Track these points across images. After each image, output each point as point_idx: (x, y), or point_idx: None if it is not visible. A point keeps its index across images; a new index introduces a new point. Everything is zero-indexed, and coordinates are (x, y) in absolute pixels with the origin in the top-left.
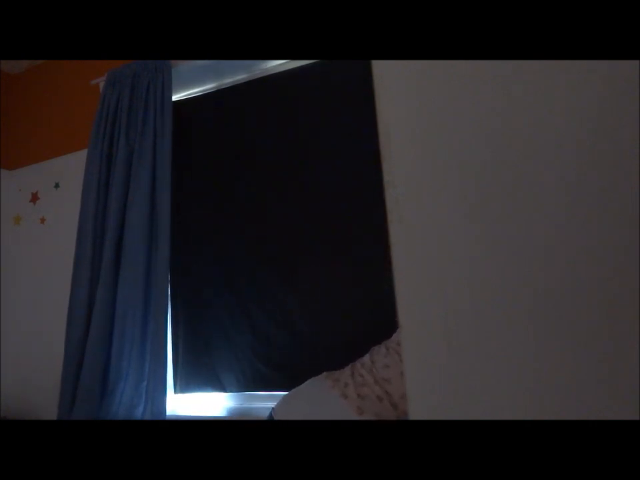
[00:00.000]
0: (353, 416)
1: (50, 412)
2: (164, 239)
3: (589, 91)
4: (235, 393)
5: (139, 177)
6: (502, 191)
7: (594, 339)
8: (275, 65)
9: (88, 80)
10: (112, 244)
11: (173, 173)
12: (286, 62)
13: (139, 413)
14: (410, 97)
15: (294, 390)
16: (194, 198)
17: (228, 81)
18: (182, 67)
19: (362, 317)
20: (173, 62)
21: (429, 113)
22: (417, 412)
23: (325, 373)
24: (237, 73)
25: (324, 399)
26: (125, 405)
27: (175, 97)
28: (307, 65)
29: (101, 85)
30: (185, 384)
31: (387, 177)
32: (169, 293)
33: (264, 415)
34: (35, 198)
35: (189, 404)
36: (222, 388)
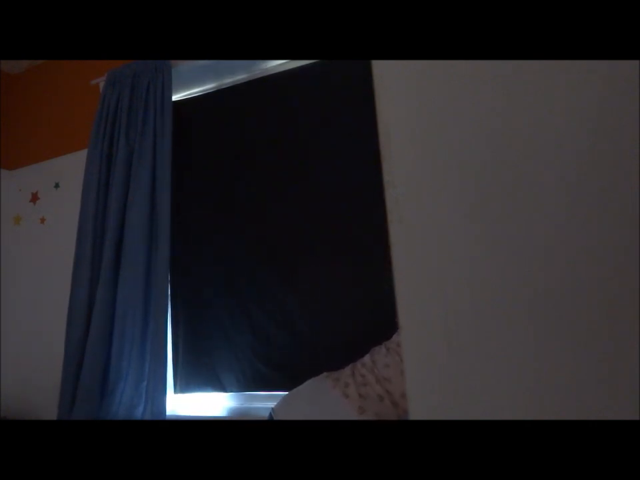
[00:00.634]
0: (354, 415)
1: (50, 412)
2: (164, 239)
3: (589, 91)
4: (235, 393)
5: (139, 177)
6: (502, 191)
7: (594, 339)
8: (275, 64)
9: (88, 80)
10: (112, 244)
11: (173, 173)
12: (286, 62)
13: (139, 413)
14: (410, 97)
15: (294, 390)
16: (194, 198)
17: (228, 80)
18: (182, 66)
19: (362, 317)
20: (173, 62)
21: (429, 113)
22: (417, 412)
23: (324, 373)
24: (236, 73)
25: (324, 399)
26: (125, 405)
27: (175, 97)
28: (306, 65)
29: (101, 85)
30: (185, 384)
31: (386, 177)
32: (169, 292)
33: (264, 415)
34: (35, 198)
35: (188, 404)
36: (222, 388)
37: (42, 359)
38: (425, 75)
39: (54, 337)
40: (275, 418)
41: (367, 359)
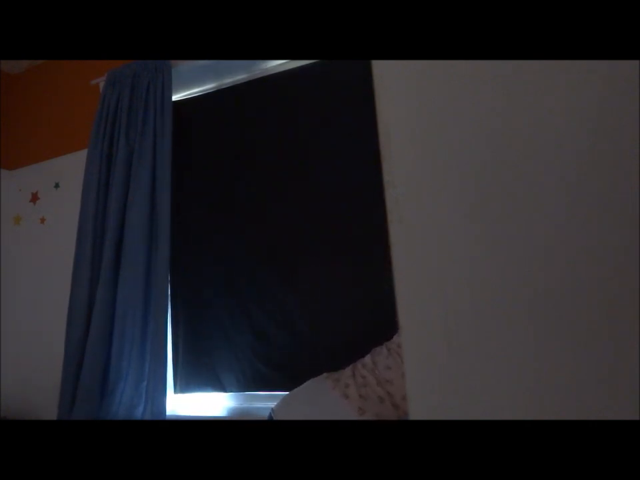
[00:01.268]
0: (354, 416)
1: (50, 412)
2: (164, 239)
3: (589, 91)
4: (235, 393)
5: (139, 177)
6: (502, 191)
7: (594, 339)
8: (275, 64)
9: (88, 80)
10: (112, 244)
11: (173, 173)
12: (286, 62)
13: (139, 413)
14: (410, 97)
15: (293, 391)
16: (194, 198)
17: (228, 81)
18: (182, 66)
19: (362, 317)
20: (173, 62)
21: (429, 113)
22: (417, 412)
23: (324, 374)
24: (236, 72)
25: (324, 400)
26: (125, 405)
27: (175, 97)
28: (306, 65)
29: (101, 85)
30: (185, 384)
31: (386, 177)
32: (169, 293)
33: (264, 415)
34: (35, 198)
35: (188, 404)
36: (222, 388)
37: (42, 359)
38: (425, 75)
39: (54, 337)
40: (274, 418)
41: (367, 359)
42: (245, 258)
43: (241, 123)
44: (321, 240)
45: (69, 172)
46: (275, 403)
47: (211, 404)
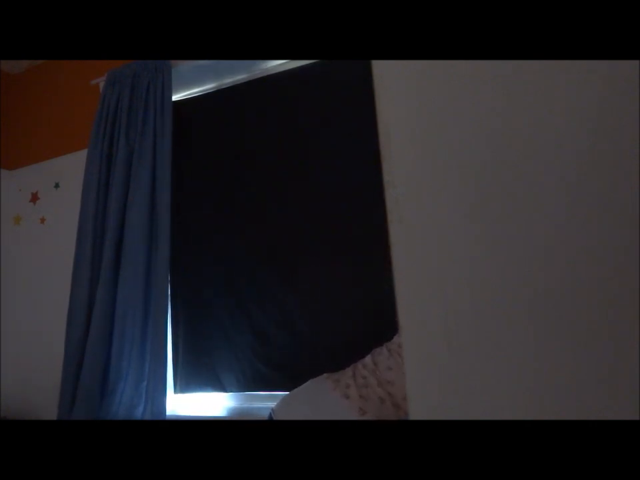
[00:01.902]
0: (354, 416)
1: (50, 412)
2: (164, 239)
3: (589, 91)
4: (235, 393)
5: (139, 177)
6: (502, 191)
7: (594, 339)
8: (275, 64)
9: (88, 80)
10: (112, 244)
11: (173, 173)
12: (286, 62)
13: (139, 413)
14: (410, 97)
15: (294, 391)
16: (194, 198)
17: (228, 80)
18: (182, 66)
19: (362, 317)
20: (173, 62)
21: (429, 113)
22: (417, 412)
23: (324, 374)
24: (236, 73)
25: (325, 400)
26: (125, 405)
27: (174, 97)
28: (306, 65)
29: (101, 85)
30: (185, 384)
31: (386, 177)
32: (169, 293)
33: (264, 415)
34: (34, 198)
35: (188, 404)
36: (222, 388)
37: (42, 359)
38: (425, 75)
39: (54, 337)
40: (274, 418)
41: (367, 360)
42: (245, 258)
43: (241, 123)
44: (320, 240)
45: (68, 172)
46: (275, 403)
47: (211, 404)
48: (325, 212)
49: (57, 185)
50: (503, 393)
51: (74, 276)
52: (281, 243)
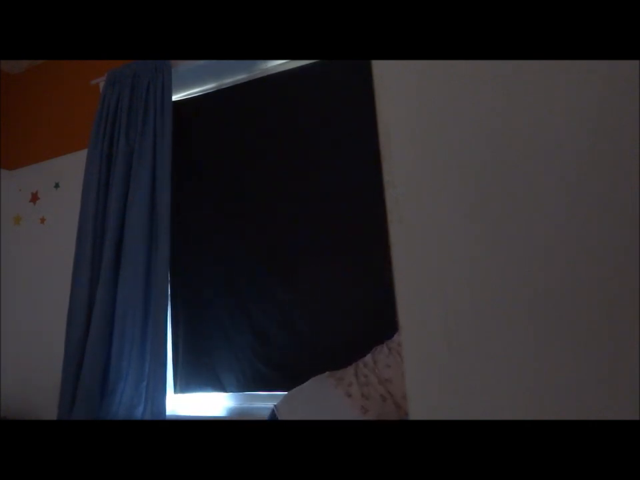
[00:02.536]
0: (356, 415)
1: (50, 412)
2: (164, 239)
3: (589, 91)
4: (235, 393)
5: (138, 177)
6: (502, 191)
7: (594, 339)
8: (275, 64)
9: (88, 80)
10: (112, 244)
11: (173, 173)
12: (286, 62)
13: (139, 413)
14: (410, 97)
15: (296, 388)
16: (194, 198)
17: (228, 80)
18: (182, 66)
19: (362, 316)
20: (173, 62)
21: (429, 113)
22: (417, 412)
23: (327, 373)
24: (236, 73)
25: (327, 398)
26: (125, 405)
27: (174, 97)
28: (306, 65)
29: (101, 85)
30: (185, 384)
31: (386, 177)
32: (169, 293)
33: (264, 415)
34: (35, 198)
35: (188, 404)
36: (222, 388)
37: (42, 359)
38: (425, 75)
39: (54, 337)
40: (278, 416)
41: (368, 358)
42: (245, 258)
43: (241, 123)
44: (320, 240)
45: (68, 172)
46: (276, 402)
47: (211, 404)
48: (325, 212)
49: (57, 185)
50: (503, 393)
51: (74, 276)
52: (280, 243)
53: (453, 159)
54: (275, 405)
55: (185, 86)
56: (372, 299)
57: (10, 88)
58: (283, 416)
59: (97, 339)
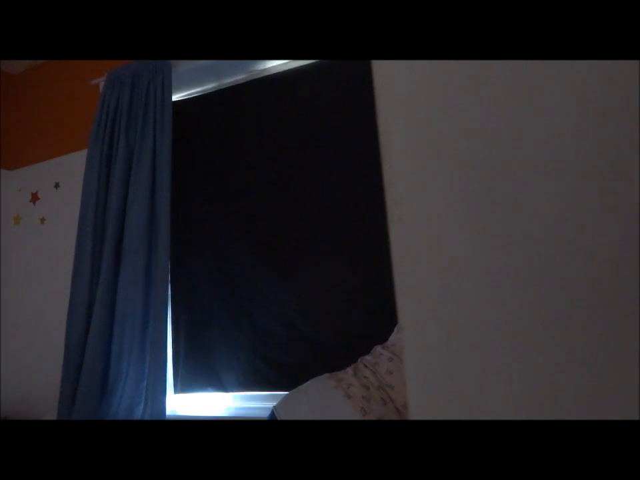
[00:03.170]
0: (356, 416)
1: (50, 412)
2: (164, 239)
3: (589, 91)
4: (236, 393)
5: (138, 177)
6: (502, 191)
7: (594, 338)
8: (275, 64)
9: (88, 80)
10: (112, 244)
11: (173, 173)
12: (286, 62)
13: (139, 413)
14: (410, 97)
15: (296, 389)
16: (194, 198)
17: (228, 80)
18: (182, 66)
19: (362, 316)
20: (173, 62)
21: (430, 113)
22: (417, 412)
23: (326, 374)
24: (236, 73)
25: (327, 399)
26: (125, 405)
27: (174, 97)
28: (307, 65)
29: (101, 85)
30: (185, 384)
31: (387, 177)
32: (169, 293)
33: (264, 415)
34: (35, 198)
35: (189, 404)
36: (222, 388)
37: (42, 359)
38: (425, 75)
39: (54, 337)
40: (277, 417)
41: (368, 359)
42: (245, 257)
43: (241, 123)
44: (321, 240)
45: (68, 172)
46: (276, 403)
47: (211, 404)
48: (325, 212)
49: (57, 185)
50: (502, 393)
51: (74, 276)
52: (281, 243)
53: (453, 159)
54: (274, 406)
55: (184, 86)
56: (372, 298)
57: (10, 88)
58: (282, 417)
59: (96, 339)
